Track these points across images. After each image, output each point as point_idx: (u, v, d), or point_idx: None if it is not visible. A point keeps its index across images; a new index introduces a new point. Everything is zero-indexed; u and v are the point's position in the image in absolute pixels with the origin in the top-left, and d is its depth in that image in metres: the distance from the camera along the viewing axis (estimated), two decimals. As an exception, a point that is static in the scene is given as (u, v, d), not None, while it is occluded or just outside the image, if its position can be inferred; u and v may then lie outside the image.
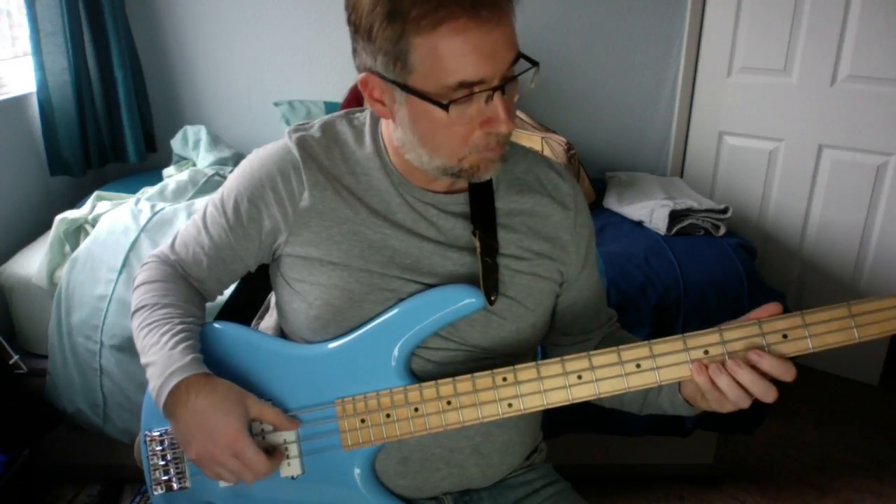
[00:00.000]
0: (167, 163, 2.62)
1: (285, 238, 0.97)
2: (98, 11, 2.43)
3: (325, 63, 2.78)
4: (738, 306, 1.84)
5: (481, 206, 0.97)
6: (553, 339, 1.10)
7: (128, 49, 2.55)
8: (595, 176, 2.64)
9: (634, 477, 2.09)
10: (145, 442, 0.99)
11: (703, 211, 2.17)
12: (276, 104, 2.70)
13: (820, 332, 0.80)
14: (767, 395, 0.81)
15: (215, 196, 1.02)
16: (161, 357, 0.90)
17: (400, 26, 0.79)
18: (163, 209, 2.00)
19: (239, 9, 2.73)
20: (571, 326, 1.08)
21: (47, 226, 2.01)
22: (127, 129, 2.55)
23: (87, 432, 1.88)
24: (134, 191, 2.23)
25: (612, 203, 2.41)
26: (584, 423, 1.84)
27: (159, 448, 0.98)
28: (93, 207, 2.09)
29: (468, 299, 0.91)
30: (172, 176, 2.32)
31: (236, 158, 2.50)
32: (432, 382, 0.90)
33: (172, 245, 1.06)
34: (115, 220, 1.96)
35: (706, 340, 0.83)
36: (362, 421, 0.92)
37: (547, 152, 2.29)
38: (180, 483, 0.97)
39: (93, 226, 2.00)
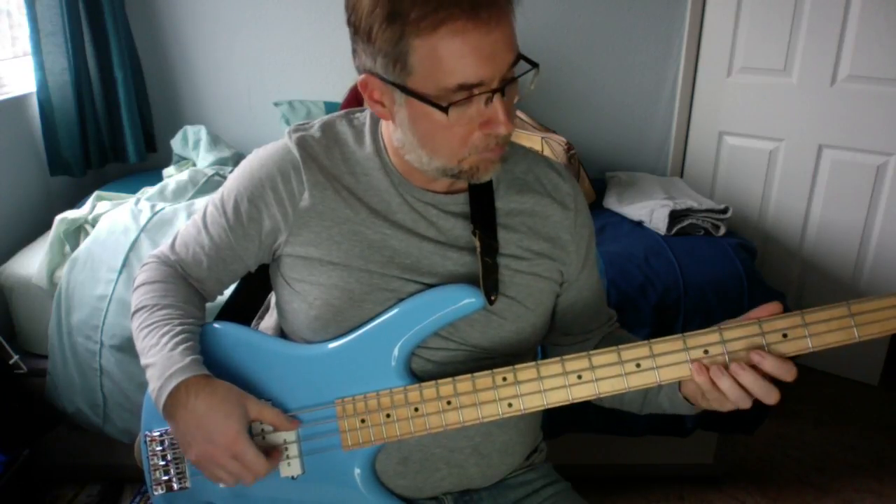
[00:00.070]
0: (167, 163, 2.62)
1: (285, 238, 0.97)
2: (98, 11, 2.43)
3: (325, 63, 2.78)
4: (738, 306, 1.83)
5: (481, 205, 0.97)
6: (553, 338, 1.10)
7: (128, 49, 2.55)
8: (595, 176, 2.64)
9: (634, 477, 2.09)
10: (145, 442, 0.99)
11: (703, 211, 2.17)
12: (276, 104, 2.70)
13: (820, 331, 0.80)
14: (769, 396, 0.81)
15: (215, 196, 1.02)
16: (161, 358, 0.90)
17: (399, 28, 0.79)
18: (163, 209, 2.00)
19: (239, 9, 2.73)
20: (571, 326, 1.08)
21: (47, 226, 2.01)
22: (127, 129, 2.55)
23: (87, 432, 1.88)
24: (134, 191, 2.23)
25: (612, 203, 2.41)
26: (584, 423, 1.84)
27: (159, 448, 0.98)
28: (93, 207, 2.09)
29: (468, 299, 0.91)
30: (172, 176, 2.32)
31: (236, 158, 2.50)
32: (432, 382, 0.90)
33: (172, 245, 1.06)
34: (115, 220, 1.96)
35: (706, 340, 0.83)
36: (362, 421, 0.92)
37: (547, 152, 2.29)
38: (180, 483, 0.98)
39: (93, 226, 2.00)
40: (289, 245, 0.97)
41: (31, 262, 1.95)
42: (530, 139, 2.36)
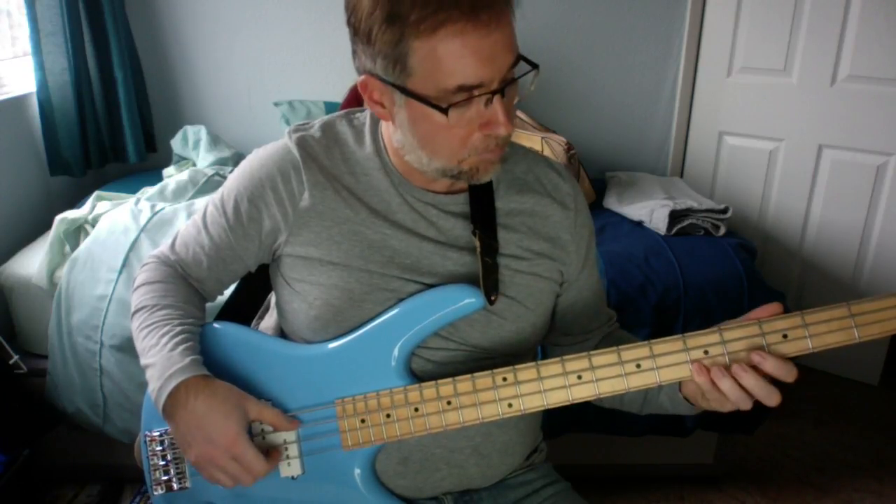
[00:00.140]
0: (167, 163, 2.62)
1: (285, 238, 0.97)
2: (98, 11, 2.43)
3: (325, 63, 2.78)
4: (738, 306, 1.83)
5: (481, 206, 0.97)
6: (553, 338, 1.10)
7: (128, 49, 2.55)
8: (595, 176, 2.64)
9: (634, 477, 2.09)
10: (145, 442, 0.99)
11: (703, 211, 2.17)
12: (276, 104, 2.71)
13: (820, 331, 0.80)
14: (770, 398, 0.81)
15: (215, 196, 1.02)
16: (160, 359, 0.90)
17: (399, 29, 0.79)
18: (163, 209, 2.00)
19: (239, 9, 2.73)
20: (571, 326, 1.08)
21: (47, 226, 2.01)
22: (127, 129, 2.55)
23: (87, 432, 1.88)
24: (134, 191, 2.23)
25: (612, 203, 2.41)
26: (584, 423, 1.84)
27: (159, 448, 0.98)
28: (93, 207, 2.09)
29: (468, 299, 0.91)
30: (172, 176, 2.32)
31: (236, 158, 2.50)
32: (432, 382, 0.90)
33: (172, 245, 1.06)
34: (115, 220, 1.96)
35: (706, 340, 0.83)
36: (362, 421, 0.92)
37: (547, 152, 2.29)
38: (180, 483, 0.98)
39: (93, 226, 2.00)
40: (289, 245, 0.97)
41: (31, 262, 1.95)
42: (530, 139, 2.36)
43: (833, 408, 2.46)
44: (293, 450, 0.94)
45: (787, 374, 0.81)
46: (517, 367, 0.88)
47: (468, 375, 0.89)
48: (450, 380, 0.89)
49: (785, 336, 0.81)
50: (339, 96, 2.64)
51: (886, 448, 2.26)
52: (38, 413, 1.87)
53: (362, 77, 0.87)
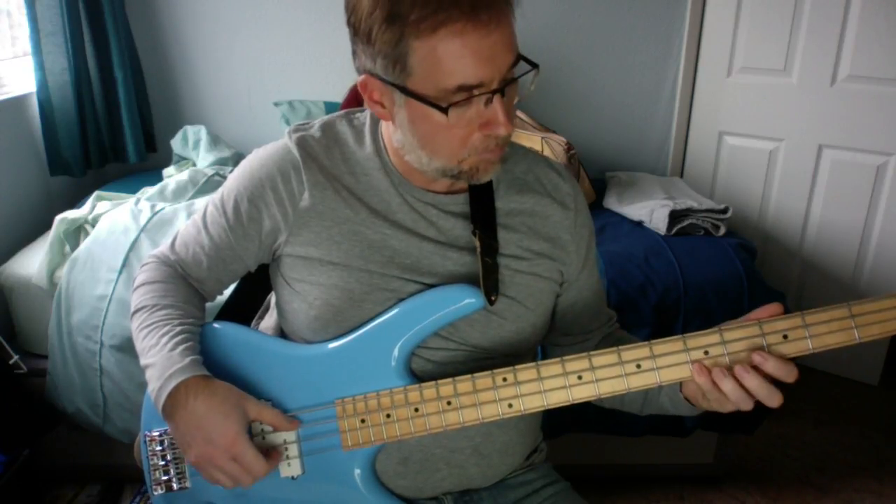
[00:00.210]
0: (167, 163, 2.62)
1: (285, 238, 0.97)
2: (98, 11, 2.43)
3: (325, 63, 2.78)
4: (738, 306, 1.83)
5: (481, 206, 0.97)
6: (553, 339, 1.10)
7: (128, 49, 2.55)
8: (595, 176, 2.64)
9: (634, 477, 2.09)
10: (145, 442, 0.99)
11: (703, 211, 2.17)
12: (276, 104, 2.70)
13: (820, 332, 0.80)
14: (772, 399, 0.81)
15: (215, 196, 1.02)
16: (160, 359, 0.90)
17: (399, 29, 0.79)
18: (163, 209, 2.00)
19: (239, 9, 2.73)
20: (571, 326, 1.08)
21: (47, 226, 2.01)
22: (127, 129, 2.55)
23: (87, 432, 1.88)
24: (134, 191, 2.23)
25: (612, 203, 2.41)
26: (585, 423, 1.84)
27: (159, 448, 0.98)
28: (93, 207, 2.09)
29: (468, 299, 0.91)
30: (172, 176, 2.32)
31: (236, 158, 2.50)
32: (432, 383, 0.90)
33: (172, 245, 1.06)
34: (115, 220, 1.96)
35: (706, 341, 0.83)
36: (362, 421, 0.92)
37: (547, 152, 2.29)
38: (180, 483, 0.97)
39: (93, 226, 2.00)
40: (289, 245, 0.97)
41: (31, 262, 1.95)
42: (530, 139, 2.36)
43: (833, 408, 2.46)
44: (293, 450, 0.94)
45: (788, 374, 0.81)
46: (517, 367, 0.88)
47: (468, 376, 0.89)
48: (450, 380, 0.89)
49: (785, 336, 0.81)
50: (339, 96, 2.64)
51: (886, 448, 2.26)
52: (38, 413, 1.87)
53: (362, 77, 0.87)
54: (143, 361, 0.93)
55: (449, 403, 0.89)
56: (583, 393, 0.86)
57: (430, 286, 0.94)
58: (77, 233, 2.01)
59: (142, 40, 2.69)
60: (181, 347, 0.91)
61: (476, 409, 0.89)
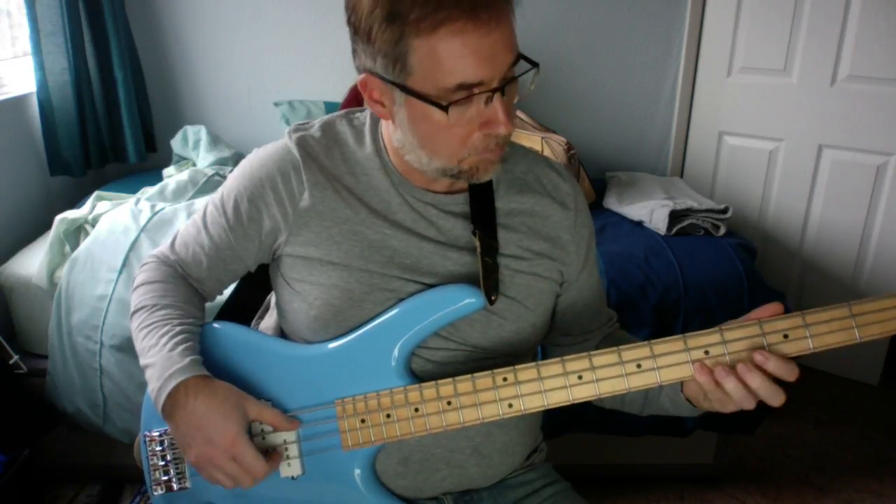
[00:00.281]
0: (167, 163, 2.62)
1: (285, 238, 0.97)
2: (98, 11, 2.43)
3: (325, 63, 2.78)
4: (738, 306, 1.83)
5: (481, 205, 0.97)
6: (553, 339, 1.10)
7: (128, 49, 2.55)
8: (595, 176, 2.64)
9: (634, 477, 2.09)
10: (145, 442, 0.99)
11: (703, 211, 2.17)
12: (276, 104, 2.70)
13: (821, 332, 0.80)
14: (775, 398, 0.81)
15: (215, 196, 1.02)
16: (160, 359, 0.90)
17: (399, 28, 0.79)
18: (163, 209, 2.00)
19: (239, 9, 2.73)
20: (571, 326, 1.08)
21: (47, 226, 2.01)
22: (127, 129, 2.55)
23: (87, 432, 1.88)
24: (134, 191, 2.23)
25: (612, 203, 2.41)
26: (584, 423, 1.84)
27: (159, 448, 0.98)
28: (93, 207, 2.09)
29: (468, 299, 0.91)
30: (172, 176, 2.32)
31: (236, 158, 2.50)
32: (432, 383, 0.90)
33: (172, 245, 1.06)
34: (115, 220, 1.96)
35: (707, 340, 0.83)
36: (362, 421, 0.92)
37: (547, 152, 2.29)
38: (180, 483, 0.97)
39: (93, 226, 2.00)
40: (289, 245, 0.97)
41: (31, 262, 1.95)
42: (530, 139, 2.36)
43: (833, 408, 2.46)
44: (293, 450, 0.94)
45: (789, 373, 0.80)
46: (517, 367, 0.88)
47: (468, 375, 0.89)
48: (450, 380, 0.89)
49: (786, 336, 0.81)
50: (339, 96, 2.64)
51: (886, 448, 2.26)
52: (38, 413, 1.87)
53: (362, 76, 0.87)
54: (142, 361, 0.93)
55: (449, 403, 0.89)
56: (583, 393, 0.86)
57: (430, 286, 0.94)
58: (77, 233, 2.01)
59: (142, 40, 2.69)
60: (181, 347, 0.91)
61: (476, 409, 0.89)
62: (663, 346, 0.84)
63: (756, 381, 0.80)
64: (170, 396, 0.87)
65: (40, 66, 2.25)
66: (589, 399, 0.87)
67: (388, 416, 0.91)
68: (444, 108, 0.81)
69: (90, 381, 1.82)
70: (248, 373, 0.96)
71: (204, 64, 2.80)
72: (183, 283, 1.04)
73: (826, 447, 2.26)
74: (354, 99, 2.42)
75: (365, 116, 1.01)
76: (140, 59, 2.68)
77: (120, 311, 1.78)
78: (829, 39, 2.42)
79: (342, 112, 1.04)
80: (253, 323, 1.19)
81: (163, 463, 0.97)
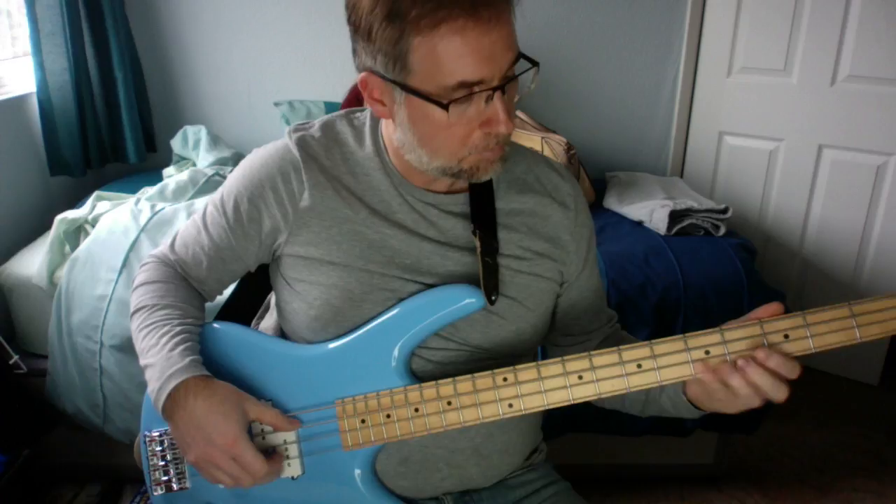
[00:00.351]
0: (167, 163, 2.62)
1: (285, 238, 0.97)
2: (98, 11, 2.43)
3: (325, 63, 2.78)
4: (738, 306, 1.83)
5: (482, 205, 0.97)
6: (553, 339, 1.10)
7: (128, 49, 2.55)
8: (595, 176, 2.64)
9: (634, 477, 2.09)
10: (145, 442, 0.99)
11: (703, 211, 2.17)
12: (276, 104, 2.70)
13: (821, 332, 0.80)
14: (778, 392, 0.80)
15: (215, 196, 1.02)
16: (160, 359, 0.90)
17: (399, 27, 0.79)
18: (163, 209, 2.00)
19: (239, 9, 2.73)
20: (572, 327, 1.08)
21: (47, 226, 2.01)
22: (127, 129, 2.55)
23: (87, 432, 1.88)
24: (134, 191, 2.23)
25: (612, 203, 2.41)
26: (584, 423, 1.84)
27: (159, 448, 0.98)
28: (93, 207, 2.09)
29: (468, 299, 0.91)
30: (172, 176, 2.32)
31: (236, 158, 2.50)
32: (432, 383, 0.90)
33: (172, 245, 1.06)
34: (115, 220, 1.96)
35: (707, 340, 0.83)
36: (362, 421, 0.92)
37: (547, 152, 2.29)
38: (180, 483, 0.97)
39: (93, 226, 2.00)
40: (289, 245, 0.97)
41: (31, 262, 1.95)
42: (530, 139, 2.36)
43: (833, 408, 2.46)
44: (293, 450, 0.94)
45: (791, 370, 0.80)
46: (517, 367, 0.88)
47: (468, 376, 0.89)
48: (450, 380, 0.89)
49: (786, 336, 0.81)
50: (339, 96, 2.64)
51: (886, 448, 2.26)
52: (38, 413, 1.87)
53: (363, 74, 0.87)
54: (142, 362, 0.93)
55: (449, 403, 0.89)
56: (583, 393, 0.86)
57: (430, 286, 0.94)
58: (77, 233, 2.01)
59: (142, 40, 2.69)
60: (181, 348, 0.91)
61: (476, 409, 0.89)
62: (664, 346, 0.84)
63: (759, 377, 0.80)
64: (170, 397, 0.87)
65: (40, 66, 2.25)
66: (589, 399, 0.87)
67: (388, 416, 0.91)
68: (445, 107, 0.81)
69: (90, 381, 1.82)
70: (248, 373, 0.96)
71: (204, 64, 2.80)
72: (183, 283, 1.04)
73: (826, 447, 2.26)
74: (354, 99, 2.42)
75: (365, 116, 1.01)
76: (140, 59, 2.68)
77: (120, 311, 1.78)
78: (829, 39, 2.42)
79: (342, 112, 1.04)
80: (253, 323, 1.19)
81: (163, 463, 0.97)
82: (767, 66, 2.59)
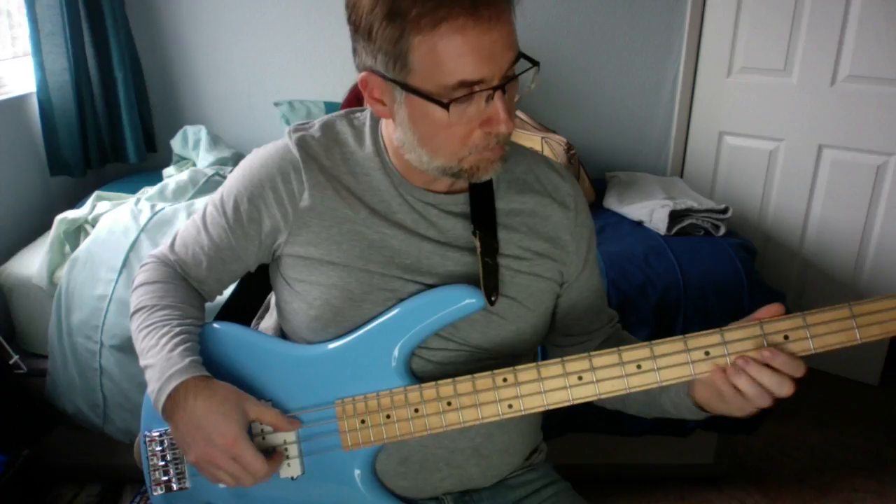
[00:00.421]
0: (167, 163, 2.62)
1: (285, 238, 0.97)
2: (98, 11, 2.43)
3: (325, 63, 2.78)
4: (738, 306, 1.83)
5: (482, 206, 0.97)
6: (554, 339, 1.10)
7: (128, 49, 2.55)
8: (595, 176, 2.64)
9: (634, 477, 2.09)
10: (145, 442, 0.99)
11: (703, 211, 2.17)
12: (276, 104, 2.70)
13: (821, 332, 0.80)
14: (782, 388, 0.80)
15: (215, 196, 1.02)
16: (160, 360, 0.90)
17: (400, 26, 0.79)
18: (163, 209, 2.00)
19: (239, 9, 2.73)
20: (572, 327, 1.08)
21: (47, 226, 2.01)
22: (127, 129, 2.55)
23: (87, 432, 1.88)
24: (134, 191, 2.23)
25: (612, 203, 2.41)
26: (584, 423, 1.84)
27: (159, 448, 0.98)
28: (93, 207, 2.09)
29: (468, 299, 0.91)
30: (172, 176, 2.32)
31: (236, 158, 2.50)
32: (432, 383, 0.90)
33: (172, 245, 1.06)
34: (115, 220, 1.96)
35: (707, 341, 0.83)
36: (362, 421, 0.92)
37: (547, 152, 2.29)
38: (180, 483, 0.97)
39: (93, 226, 2.00)
40: (289, 245, 0.97)
41: (31, 262, 1.95)
42: (530, 139, 2.35)
43: (833, 408, 2.46)
44: (293, 450, 0.94)
45: (796, 369, 0.80)
46: (517, 367, 0.88)
47: (468, 376, 0.89)
48: (450, 380, 0.89)
49: (786, 337, 0.81)
50: (339, 96, 2.64)
51: (886, 448, 2.26)
52: (38, 413, 1.87)
53: (363, 74, 0.87)
54: (142, 362, 0.93)
55: (449, 404, 0.89)
56: (583, 393, 0.86)
57: (430, 286, 0.94)
58: (77, 233, 2.01)
59: (142, 40, 2.69)
60: (181, 348, 0.91)
61: (476, 410, 0.89)
62: (663, 346, 0.84)
63: (766, 376, 0.80)
64: (170, 397, 0.87)
65: (40, 66, 2.25)
66: (589, 399, 0.87)
67: (388, 416, 0.91)
68: (445, 106, 0.81)
69: (90, 381, 1.82)
70: (248, 373, 0.96)
71: (204, 64, 2.80)
72: (183, 283, 1.04)
73: (826, 447, 2.26)
74: (354, 99, 2.42)
75: (365, 116, 1.01)
76: (140, 59, 2.68)
77: (120, 311, 1.78)
78: (829, 39, 2.42)
79: (342, 112, 1.03)
80: (253, 323, 1.19)
81: (163, 463, 0.97)
82: (767, 66, 2.59)
